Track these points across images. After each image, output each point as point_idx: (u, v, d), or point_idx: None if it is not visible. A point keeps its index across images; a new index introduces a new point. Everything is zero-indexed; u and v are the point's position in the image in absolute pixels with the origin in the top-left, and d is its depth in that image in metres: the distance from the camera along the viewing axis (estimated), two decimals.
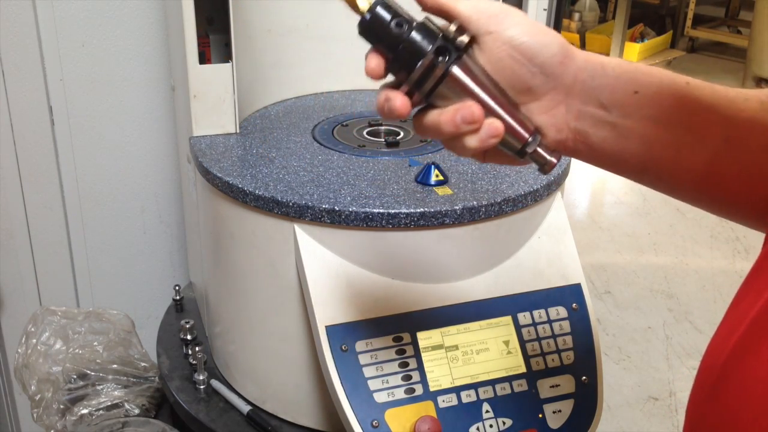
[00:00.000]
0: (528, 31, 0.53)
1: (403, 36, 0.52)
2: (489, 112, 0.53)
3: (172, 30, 1.13)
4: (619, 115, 0.55)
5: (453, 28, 0.53)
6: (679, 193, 0.61)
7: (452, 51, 0.52)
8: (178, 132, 1.30)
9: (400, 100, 0.53)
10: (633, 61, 0.59)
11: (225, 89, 1.04)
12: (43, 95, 1.28)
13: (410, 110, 0.54)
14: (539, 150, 0.55)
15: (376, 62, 0.54)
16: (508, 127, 0.53)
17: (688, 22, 4.78)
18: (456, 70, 0.53)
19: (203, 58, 1.02)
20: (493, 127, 0.53)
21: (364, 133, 1.10)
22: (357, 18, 0.56)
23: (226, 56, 1.03)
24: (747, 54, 4.31)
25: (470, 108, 0.52)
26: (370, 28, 0.54)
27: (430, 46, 0.52)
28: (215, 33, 1.03)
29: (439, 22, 0.55)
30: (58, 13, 1.25)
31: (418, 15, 0.55)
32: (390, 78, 0.55)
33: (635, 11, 4.45)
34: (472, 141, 0.53)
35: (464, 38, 0.53)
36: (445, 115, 0.53)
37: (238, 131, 1.07)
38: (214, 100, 1.04)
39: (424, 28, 0.53)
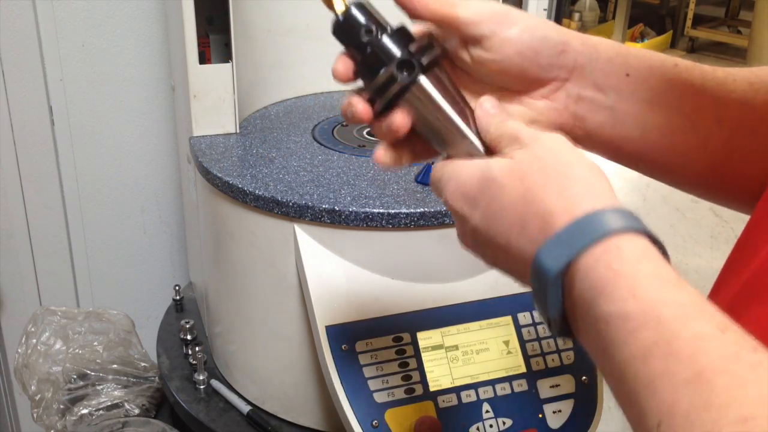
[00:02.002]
0: (528, 28, 0.54)
1: (371, 42, 0.52)
2: (450, 130, 0.52)
3: (172, 30, 1.13)
4: (614, 99, 0.57)
5: (425, 41, 0.52)
6: (675, 178, 0.62)
7: (416, 65, 0.51)
8: (178, 132, 1.30)
9: (361, 106, 0.54)
10: (624, 44, 0.60)
11: (225, 89, 1.04)
12: (43, 95, 1.28)
13: (371, 117, 0.54)
14: None
15: (343, 65, 0.56)
16: (470, 148, 0.52)
17: (688, 22, 4.78)
18: (420, 84, 0.51)
19: (203, 58, 1.02)
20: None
21: (364, 133, 1.10)
22: None
23: (226, 56, 1.03)
24: (747, 54, 4.31)
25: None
26: (342, 30, 0.55)
27: (396, 56, 0.51)
28: (215, 33, 1.03)
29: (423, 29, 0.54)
30: (58, 13, 1.25)
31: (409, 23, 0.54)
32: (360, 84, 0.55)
33: (635, 11, 4.45)
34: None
35: (432, 53, 0.52)
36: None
37: (238, 131, 1.07)
38: (214, 100, 1.04)
39: (396, 36, 0.52)
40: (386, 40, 0.52)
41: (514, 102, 0.57)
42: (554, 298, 0.44)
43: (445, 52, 0.54)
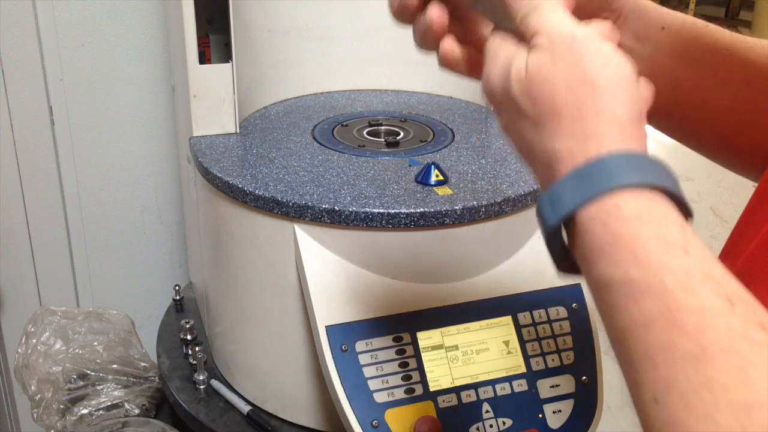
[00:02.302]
0: None
1: None
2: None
3: (172, 30, 1.13)
4: (650, 50, 0.57)
5: None
6: (702, 138, 0.62)
7: None
8: (178, 132, 1.30)
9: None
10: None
11: (225, 89, 1.04)
12: (43, 95, 1.28)
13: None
14: None
15: None
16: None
17: None
18: None
19: (203, 58, 1.02)
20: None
21: (364, 133, 1.10)
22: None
23: (226, 56, 1.03)
24: None
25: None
26: None
27: None
28: (215, 33, 1.03)
29: None
30: (58, 13, 1.25)
31: None
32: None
33: None
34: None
35: None
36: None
37: (238, 131, 1.07)
38: (214, 100, 1.04)
39: None
40: None
41: None
42: (554, 247, 0.42)
43: None
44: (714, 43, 0.58)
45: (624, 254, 0.38)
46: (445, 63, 0.52)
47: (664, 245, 0.37)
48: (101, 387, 1.21)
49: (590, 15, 0.54)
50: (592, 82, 0.41)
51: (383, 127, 1.11)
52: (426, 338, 0.87)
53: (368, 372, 0.84)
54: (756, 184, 0.56)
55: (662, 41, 0.57)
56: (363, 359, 0.85)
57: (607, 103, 0.41)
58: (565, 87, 0.41)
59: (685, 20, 0.58)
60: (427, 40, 0.52)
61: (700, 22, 0.59)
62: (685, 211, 0.40)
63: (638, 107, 0.42)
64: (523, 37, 0.45)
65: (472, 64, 0.52)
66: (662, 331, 0.35)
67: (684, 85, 0.58)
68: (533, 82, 0.42)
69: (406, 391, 0.85)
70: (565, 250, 0.42)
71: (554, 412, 0.88)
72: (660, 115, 0.58)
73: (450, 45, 0.51)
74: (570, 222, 0.41)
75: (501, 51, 0.46)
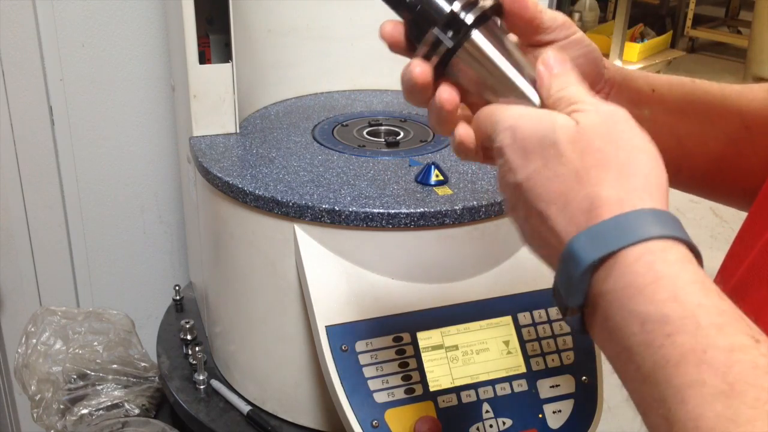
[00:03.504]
0: (581, 41, 0.58)
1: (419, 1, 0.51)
2: (507, 85, 0.51)
3: (172, 30, 1.13)
4: (648, 111, 0.61)
5: None
6: (711, 188, 0.65)
7: (466, 21, 0.50)
8: (178, 132, 1.30)
9: (418, 66, 0.52)
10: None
11: (225, 89, 1.04)
12: (43, 95, 1.28)
13: (428, 77, 0.52)
14: None
15: (392, 24, 0.54)
16: (521, 95, 0.51)
17: (688, 22, 4.79)
18: (472, 39, 0.51)
19: (203, 58, 1.02)
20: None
21: (364, 133, 1.10)
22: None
23: (226, 56, 1.03)
24: (747, 54, 4.31)
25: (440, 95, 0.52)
26: None
27: (445, 11, 0.50)
28: (215, 33, 1.03)
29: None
30: (58, 13, 1.25)
31: None
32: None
33: (635, 11, 4.45)
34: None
35: (486, 3, 0.51)
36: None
37: (238, 131, 1.07)
38: (214, 100, 1.04)
39: None
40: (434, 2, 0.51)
41: None
42: (579, 287, 0.43)
43: (500, 5, 0.53)
44: (704, 94, 0.61)
45: (665, 293, 0.40)
46: (462, 148, 0.53)
47: (701, 288, 0.40)
48: (101, 387, 1.21)
49: (589, 83, 0.56)
50: (638, 148, 0.45)
51: (383, 127, 1.11)
52: (426, 338, 0.87)
53: (368, 372, 0.84)
54: None
55: (656, 102, 0.61)
56: (363, 359, 0.85)
57: (651, 168, 0.44)
58: (614, 145, 0.44)
59: (671, 80, 0.62)
60: (443, 123, 0.53)
61: (686, 79, 0.63)
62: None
63: (666, 178, 0.45)
64: (551, 104, 0.48)
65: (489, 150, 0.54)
66: (694, 367, 0.37)
67: (686, 140, 0.61)
68: (585, 134, 0.45)
69: (406, 391, 0.85)
70: (585, 293, 0.44)
71: (554, 412, 0.88)
72: (670, 172, 0.62)
73: (465, 130, 0.53)
74: (609, 262, 0.42)
75: (532, 111, 0.48)
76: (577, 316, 0.45)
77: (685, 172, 0.64)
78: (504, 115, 0.49)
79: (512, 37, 0.55)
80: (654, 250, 0.41)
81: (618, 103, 0.58)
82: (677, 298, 0.39)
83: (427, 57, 0.51)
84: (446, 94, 0.52)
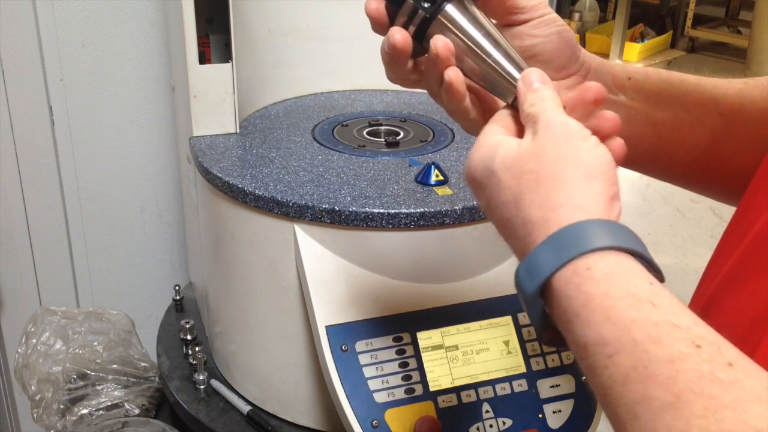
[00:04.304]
0: (558, 28, 0.58)
1: None
2: (484, 56, 0.53)
3: (172, 30, 1.13)
4: (624, 98, 0.61)
5: None
6: (690, 175, 0.65)
7: None
8: (178, 132, 1.30)
9: (398, 33, 0.53)
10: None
11: (225, 89, 1.04)
12: (43, 95, 1.28)
13: (407, 42, 0.54)
14: None
15: (376, 2, 0.56)
16: (506, 74, 0.53)
17: (688, 22, 4.78)
18: (446, 12, 0.53)
19: (203, 58, 1.02)
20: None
21: (364, 133, 1.10)
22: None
23: (226, 56, 1.03)
24: (747, 54, 4.31)
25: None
26: None
27: None
28: (215, 33, 1.03)
29: None
30: (58, 13, 1.25)
31: None
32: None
33: (635, 11, 4.45)
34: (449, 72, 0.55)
35: None
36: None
37: (238, 131, 1.07)
38: (214, 100, 1.04)
39: None
40: None
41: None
42: (535, 314, 0.44)
43: None
44: (680, 83, 0.62)
45: (596, 315, 0.40)
46: (452, 90, 0.54)
47: (632, 301, 0.39)
48: (101, 387, 1.21)
49: (563, 64, 0.58)
50: (576, 160, 0.44)
51: (383, 127, 1.11)
52: (426, 338, 0.87)
53: (368, 372, 0.84)
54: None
55: (632, 89, 0.62)
56: (363, 359, 0.85)
57: (586, 178, 0.44)
58: (550, 162, 0.45)
59: (648, 70, 0.63)
60: (433, 72, 0.55)
61: (663, 70, 0.64)
62: (656, 273, 0.42)
63: (614, 189, 0.45)
64: (523, 119, 0.50)
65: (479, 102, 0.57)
66: (639, 384, 0.37)
67: (663, 127, 0.62)
68: (522, 159, 0.46)
69: (406, 391, 0.85)
70: (547, 320, 0.44)
71: (554, 412, 0.88)
72: (647, 159, 0.64)
73: (455, 72, 0.54)
74: (548, 289, 0.42)
75: (489, 138, 0.49)
76: (554, 336, 0.44)
77: (663, 160, 0.64)
78: (475, 146, 0.50)
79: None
80: (579, 270, 0.41)
81: None
82: (609, 317, 0.39)
83: (405, 26, 0.54)
84: (399, 35, 0.53)
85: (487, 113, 0.57)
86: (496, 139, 0.49)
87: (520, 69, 0.53)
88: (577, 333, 0.41)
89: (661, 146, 0.63)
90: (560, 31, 0.58)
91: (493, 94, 0.55)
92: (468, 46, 0.53)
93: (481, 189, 0.48)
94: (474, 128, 0.58)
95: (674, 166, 0.65)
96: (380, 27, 0.56)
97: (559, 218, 0.43)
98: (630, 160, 0.64)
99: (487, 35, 0.54)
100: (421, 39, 0.54)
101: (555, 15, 0.58)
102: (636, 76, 0.62)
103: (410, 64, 0.56)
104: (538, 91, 0.50)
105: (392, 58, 0.55)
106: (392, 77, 0.58)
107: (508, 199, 0.46)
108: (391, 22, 0.55)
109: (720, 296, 0.51)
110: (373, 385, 0.84)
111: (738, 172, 0.61)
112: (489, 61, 0.53)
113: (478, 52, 0.53)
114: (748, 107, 0.61)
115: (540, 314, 0.44)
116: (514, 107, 0.53)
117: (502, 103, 0.55)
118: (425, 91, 0.59)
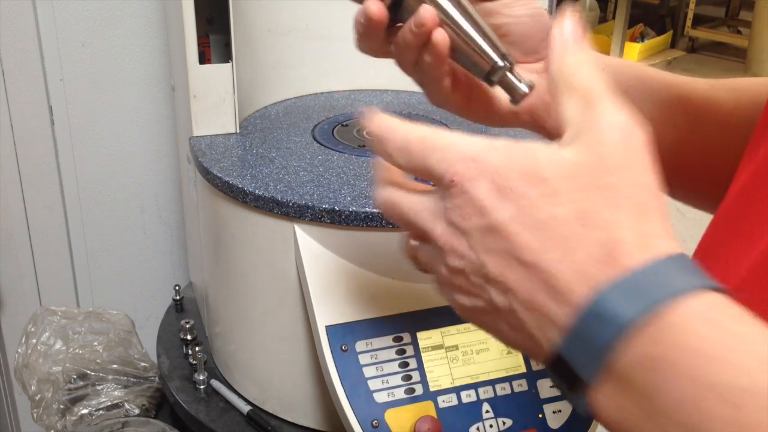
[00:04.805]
0: (534, 13, 0.58)
1: None
2: (457, 29, 0.54)
3: (172, 30, 1.13)
4: None
5: None
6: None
7: None
8: (178, 132, 1.30)
9: (373, 4, 0.53)
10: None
11: (225, 89, 1.04)
12: (43, 95, 1.28)
13: (383, 13, 0.54)
14: (509, 76, 0.55)
15: None
16: (477, 48, 0.54)
17: (688, 22, 4.78)
18: None
19: (203, 58, 1.02)
20: (440, 36, 0.53)
21: (365, 133, 1.10)
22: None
23: (226, 56, 1.03)
24: (747, 54, 4.32)
25: (423, 12, 0.53)
26: None
27: None
28: (215, 33, 1.03)
29: None
30: (58, 13, 1.25)
31: None
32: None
33: (635, 11, 4.45)
34: (427, 56, 0.54)
35: None
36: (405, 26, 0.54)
37: (238, 131, 1.07)
38: (214, 100, 1.04)
39: None
40: None
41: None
42: (602, 355, 0.34)
43: None
44: (651, 80, 0.62)
45: (744, 358, 0.32)
46: (437, 53, 0.54)
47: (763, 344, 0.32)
48: (101, 387, 1.21)
49: (534, 47, 0.58)
50: (650, 186, 0.37)
51: None
52: (426, 338, 0.87)
53: (368, 372, 0.84)
54: None
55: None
56: (363, 359, 0.85)
57: (665, 209, 0.38)
58: (631, 183, 0.37)
59: (624, 63, 0.63)
60: (413, 41, 0.54)
61: (638, 65, 0.63)
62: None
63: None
64: (562, 88, 0.41)
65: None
66: None
67: None
68: (592, 168, 0.37)
69: (406, 391, 0.85)
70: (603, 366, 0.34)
71: (554, 412, 0.88)
72: None
73: (442, 35, 0.53)
74: (643, 322, 0.33)
75: (501, 143, 0.39)
76: (583, 393, 0.35)
77: None
78: (457, 143, 0.39)
79: None
80: (710, 304, 0.33)
81: None
82: (761, 362, 0.31)
83: None
84: (374, 6, 0.53)
85: (459, 83, 0.58)
86: (517, 145, 0.39)
87: (493, 46, 0.54)
88: (715, 380, 0.31)
89: None
90: (534, 14, 0.58)
91: (463, 66, 0.56)
92: (442, 19, 0.54)
93: (511, 197, 0.37)
94: (443, 99, 0.59)
95: None
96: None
97: (660, 245, 0.35)
98: None
99: (460, 8, 0.54)
100: (396, 9, 0.55)
101: None
102: (610, 67, 0.62)
103: (383, 35, 0.56)
104: (579, 53, 0.41)
105: (367, 29, 0.55)
106: (363, 47, 0.58)
107: (569, 214, 0.36)
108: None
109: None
110: (373, 385, 0.84)
111: (703, 174, 0.61)
112: (461, 35, 0.54)
113: (452, 25, 0.54)
114: (713, 110, 0.60)
115: (609, 354, 0.34)
116: (489, 81, 0.54)
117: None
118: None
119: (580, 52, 0.41)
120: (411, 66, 0.56)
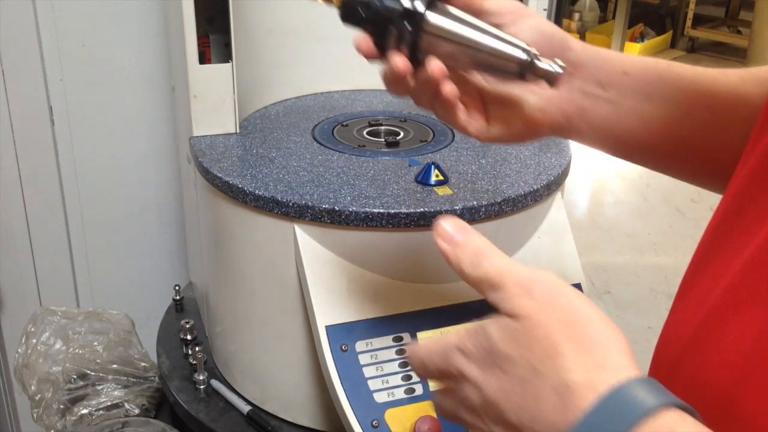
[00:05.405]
0: (537, 26, 0.60)
1: (373, 10, 0.58)
2: (476, 47, 0.57)
3: (172, 30, 1.13)
4: (615, 94, 0.61)
5: None
6: (683, 167, 0.66)
7: (419, 7, 0.57)
8: (178, 132, 1.30)
9: (398, 59, 0.58)
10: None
11: (225, 89, 1.04)
12: (43, 95, 1.28)
13: (408, 65, 0.58)
14: (538, 64, 0.57)
15: (364, 41, 0.60)
16: (499, 54, 0.56)
17: (688, 22, 4.78)
18: (428, 20, 0.57)
19: (203, 58, 1.02)
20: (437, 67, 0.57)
21: (364, 133, 1.10)
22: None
23: (226, 56, 1.03)
24: (747, 54, 4.31)
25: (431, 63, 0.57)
26: (346, 16, 0.60)
27: (398, 9, 0.57)
28: (215, 33, 1.03)
29: None
30: (58, 13, 1.25)
31: None
32: None
33: (635, 11, 4.45)
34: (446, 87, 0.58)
35: None
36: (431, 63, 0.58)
37: (238, 131, 1.07)
38: (214, 100, 1.04)
39: None
40: (385, 2, 0.58)
41: (525, 91, 0.61)
42: None
43: None
44: (676, 79, 0.62)
45: None
46: (447, 103, 0.58)
47: None
48: (101, 387, 1.21)
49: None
50: (588, 318, 0.41)
51: (383, 127, 1.11)
52: (426, 338, 0.87)
53: (368, 372, 0.84)
54: None
55: (626, 85, 0.62)
56: (363, 359, 0.85)
57: (607, 335, 0.41)
58: (560, 324, 0.41)
59: (647, 63, 0.63)
60: (428, 87, 0.59)
61: (663, 62, 0.63)
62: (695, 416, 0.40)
63: (622, 335, 0.42)
64: (472, 282, 0.48)
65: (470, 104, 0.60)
66: None
67: (652, 122, 0.62)
68: (525, 327, 0.42)
69: (406, 391, 0.85)
70: None
71: None
72: (637, 153, 0.64)
73: (451, 87, 0.58)
74: None
75: (471, 326, 0.46)
76: None
77: (654, 154, 0.64)
78: (449, 340, 0.47)
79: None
80: (665, 423, 0.37)
81: (584, 83, 0.61)
82: None
83: (397, 48, 0.58)
84: (400, 61, 0.58)
85: (475, 110, 0.61)
86: (474, 326, 0.46)
87: (512, 45, 0.56)
88: None
89: (650, 140, 0.63)
90: (534, 25, 0.59)
91: (496, 77, 0.59)
92: (459, 43, 0.57)
93: (486, 380, 0.43)
94: (462, 127, 0.62)
95: (666, 159, 0.65)
96: (372, 57, 0.60)
97: (605, 379, 0.38)
98: (622, 154, 0.65)
99: (470, 25, 0.57)
100: (415, 53, 0.58)
101: (538, 20, 0.60)
102: (633, 72, 0.62)
103: (412, 82, 0.59)
104: (467, 246, 0.48)
105: (396, 81, 0.59)
106: (393, 92, 0.63)
107: (524, 371, 0.41)
108: (378, 47, 0.59)
109: (713, 326, 0.47)
110: (373, 385, 0.84)
111: (729, 163, 0.61)
112: (484, 50, 0.56)
113: (471, 45, 0.56)
114: (740, 106, 0.60)
115: None
116: (523, 78, 0.57)
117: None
118: None
119: (468, 247, 0.48)
120: (428, 105, 0.62)
